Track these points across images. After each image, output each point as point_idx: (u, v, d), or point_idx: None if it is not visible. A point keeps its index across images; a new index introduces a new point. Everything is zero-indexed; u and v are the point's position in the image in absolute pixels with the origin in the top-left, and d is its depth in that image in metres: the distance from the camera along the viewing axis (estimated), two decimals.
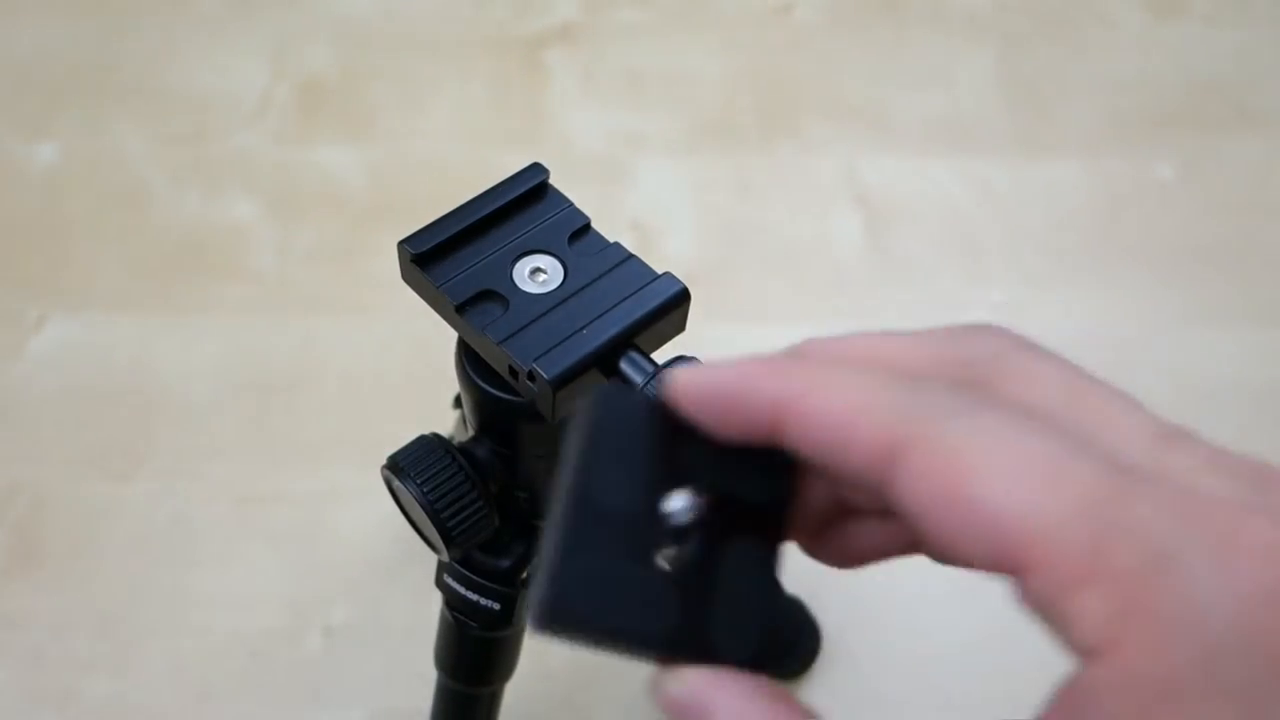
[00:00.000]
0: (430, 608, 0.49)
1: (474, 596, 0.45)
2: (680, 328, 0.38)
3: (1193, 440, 0.24)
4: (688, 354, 0.35)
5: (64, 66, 0.98)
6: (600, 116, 0.95)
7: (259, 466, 0.75)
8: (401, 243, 0.38)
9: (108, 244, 0.86)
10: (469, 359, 0.39)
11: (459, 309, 0.37)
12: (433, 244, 0.38)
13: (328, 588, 0.69)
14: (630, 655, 0.24)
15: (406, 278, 0.39)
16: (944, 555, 0.23)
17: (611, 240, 0.39)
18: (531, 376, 0.35)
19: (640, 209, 0.89)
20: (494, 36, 1.01)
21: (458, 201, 0.39)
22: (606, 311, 0.36)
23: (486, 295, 0.37)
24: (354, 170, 0.91)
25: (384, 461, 0.41)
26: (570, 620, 0.23)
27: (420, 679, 0.54)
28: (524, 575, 0.46)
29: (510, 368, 0.36)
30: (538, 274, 0.38)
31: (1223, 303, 0.83)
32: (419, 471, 0.40)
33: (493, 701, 0.52)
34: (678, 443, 0.25)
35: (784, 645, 0.66)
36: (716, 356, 0.37)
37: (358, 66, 0.98)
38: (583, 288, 0.37)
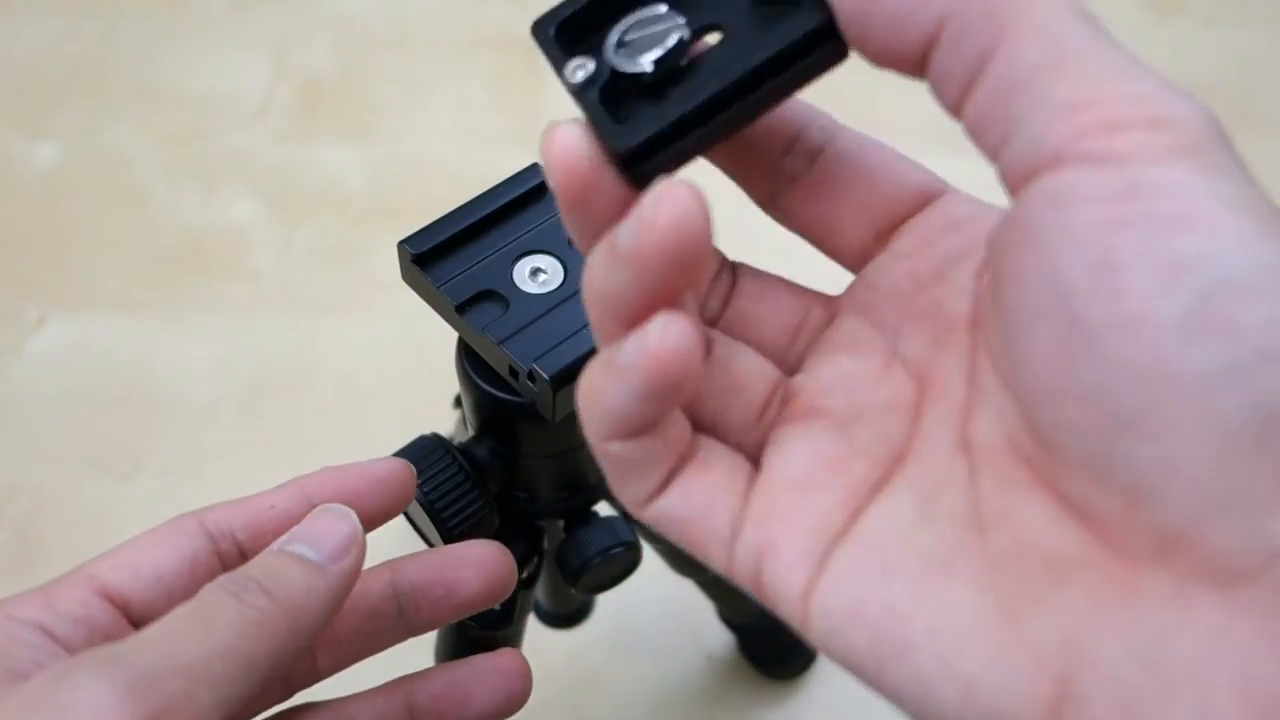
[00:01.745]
0: None
1: None
2: None
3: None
4: None
5: (64, 66, 0.98)
6: None
7: (259, 466, 0.74)
8: (401, 243, 0.38)
9: (108, 244, 0.86)
10: (469, 359, 0.39)
11: (459, 309, 0.37)
12: (433, 244, 0.38)
13: None
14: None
15: (406, 278, 0.39)
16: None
17: None
18: (531, 376, 0.35)
19: None
20: (494, 36, 1.01)
21: (458, 201, 0.39)
22: None
23: (486, 295, 0.37)
24: (354, 170, 0.91)
25: None
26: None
27: None
28: (524, 575, 0.46)
29: (510, 368, 0.36)
30: (538, 274, 0.38)
31: None
32: (419, 471, 0.40)
33: None
34: None
35: (785, 645, 0.66)
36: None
37: (358, 66, 0.98)
38: None
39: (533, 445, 0.41)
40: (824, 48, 0.25)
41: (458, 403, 0.59)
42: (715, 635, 0.67)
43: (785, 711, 0.65)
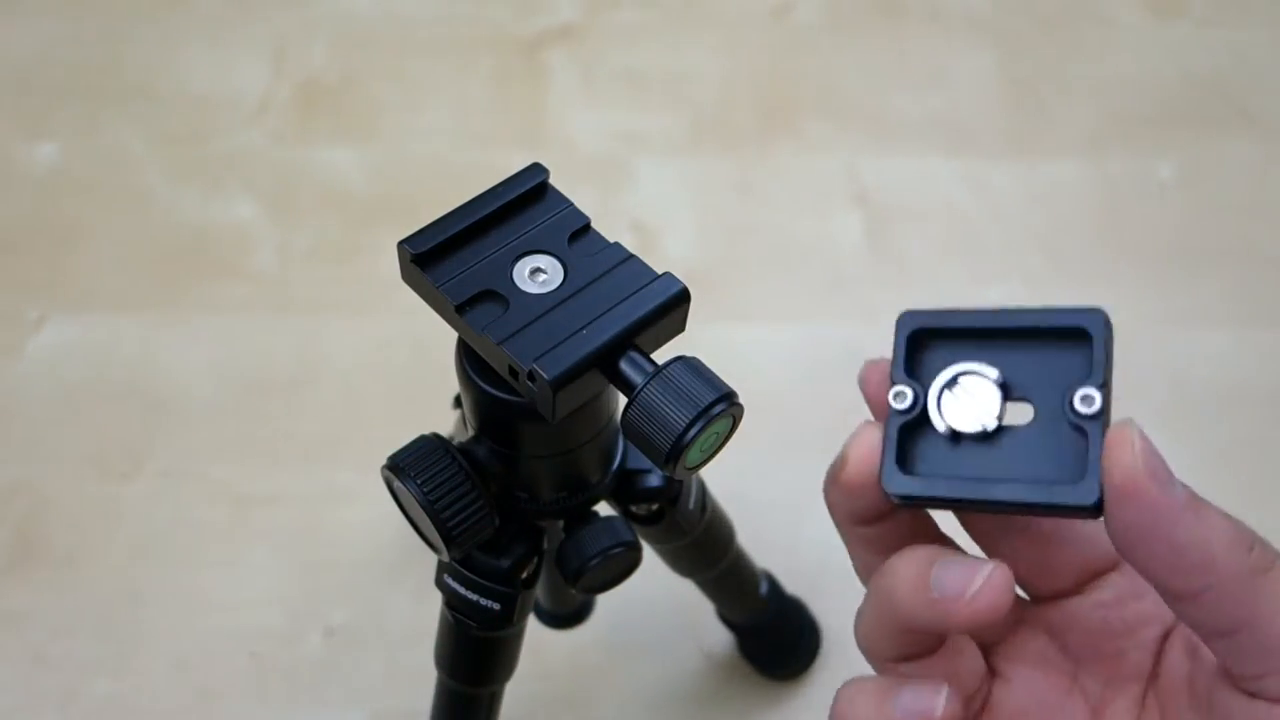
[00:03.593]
0: (430, 608, 0.49)
1: (474, 596, 0.45)
2: (680, 328, 0.38)
3: None
4: (688, 354, 0.35)
5: (64, 66, 0.98)
6: (600, 116, 0.95)
7: (259, 466, 0.75)
8: (401, 243, 0.38)
9: (108, 244, 0.86)
10: (469, 359, 0.39)
11: (459, 309, 0.37)
12: (433, 244, 0.38)
13: (328, 588, 0.69)
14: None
15: (406, 278, 0.39)
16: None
17: (611, 240, 0.39)
18: (532, 377, 0.35)
19: (640, 209, 0.89)
20: (494, 36, 1.01)
21: (458, 201, 0.39)
22: (606, 311, 0.36)
23: (486, 295, 0.37)
24: (354, 170, 0.91)
25: (384, 461, 0.41)
26: None
27: (420, 679, 0.54)
28: (524, 575, 0.46)
29: (510, 368, 0.36)
30: (538, 274, 0.38)
31: (1223, 303, 0.83)
32: (419, 471, 0.40)
33: (493, 701, 0.52)
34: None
35: (784, 645, 0.66)
36: (715, 357, 0.38)
37: (358, 66, 0.98)
38: (583, 288, 0.37)
39: (533, 445, 0.41)
40: (1083, 509, 0.27)
41: (458, 403, 0.59)
42: (715, 635, 0.67)
43: (784, 711, 0.65)
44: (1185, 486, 0.25)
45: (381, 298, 0.82)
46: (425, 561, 0.50)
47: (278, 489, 0.73)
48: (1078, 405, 0.27)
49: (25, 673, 0.66)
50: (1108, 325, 0.29)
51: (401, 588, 0.69)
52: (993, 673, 0.32)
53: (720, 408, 0.34)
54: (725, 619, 0.65)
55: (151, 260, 0.85)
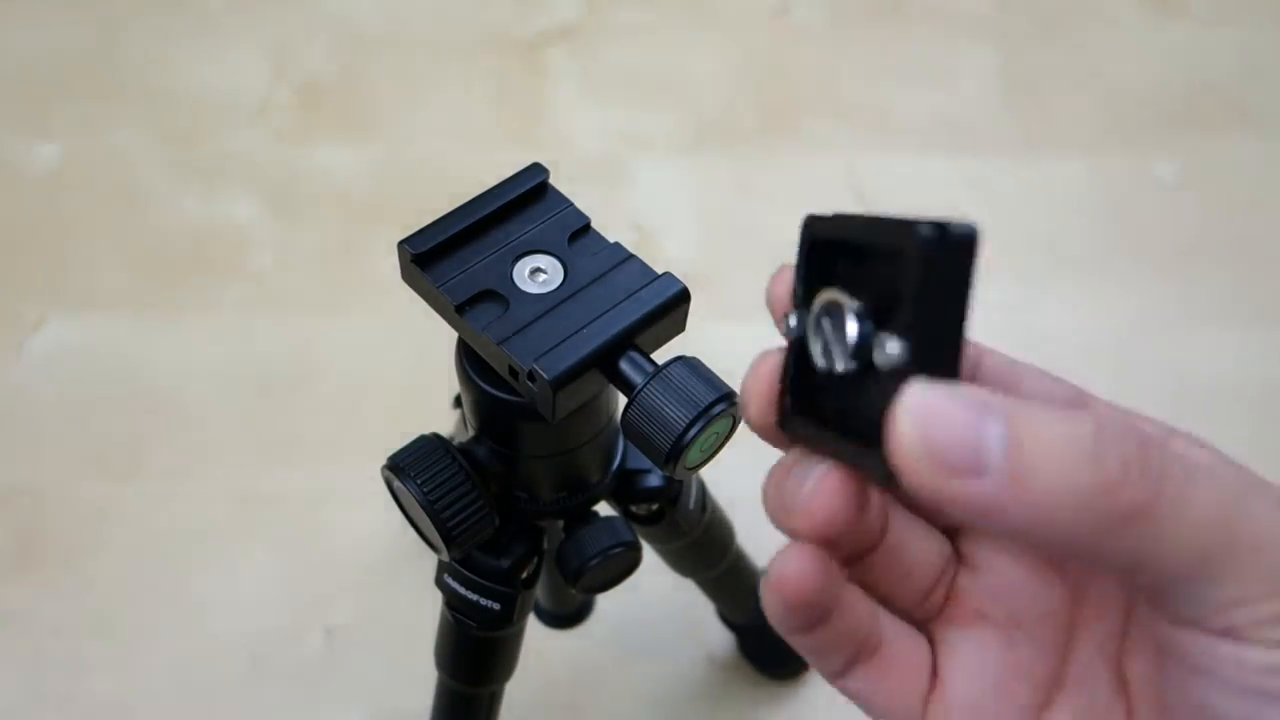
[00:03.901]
0: (430, 608, 0.49)
1: (474, 596, 0.45)
2: (680, 327, 0.38)
3: None
4: (688, 354, 0.35)
5: (64, 66, 0.98)
6: (600, 116, 0.95)
7: (259, 466, 0.75)
8: (401, 243, 0.38)
9: (108, 244, 0.86)
10: (469, 359, 0.39)
11: (459, 309, 0.37)
12: (433, 244, 0.38)
13: (328, 588, 0.69)
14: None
15: (406, 278, 0.39)
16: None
17: (611, 240, 0.39)
18: (532, 377, 0.35)
19: (640, 209, 0.89)
20: (494, 36, 1.01)
21: (458, 201, 0.39)
22: (606, 311, 0.36)
23: (486, 295, 0.37)
24: (354, 170, 0.91)
25: (384, 461, 0.41)
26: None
27: (420, 679, 0.54)
28: (524, 575, 0.46)
29: (510, 368, 0.36)
30: (538, 274, 0.38)
31: (1223, 303, 0.83)
32: (419, 471, 0.40)
33: (493, 701, 0.52)
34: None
35: (785, 645, 0.66)
36: (715, 356, 0.38)
37: (358, 66, 0.98)
38: (583, 288, 0.37)
39: (533, 445, 0.41)
40: (886, 481, 0.22)
41: (458, 403, 0.59)
42: (715, 635, 0.67)
43: (785, 711, 0.65)
44: (1007, 435, 0.20)
45: (381, 298, 0.82)
46: (425, 561, 0.50)
47: (278, 489, 0.73)
48: (874, 353, 0.21)
49: (25, 673, 0.66)
50: (940, 248, 0.20)
51: (401, 588, 0.69)
52: (961, 560, 0.28)
53: (720, 408, 0.34)
54: (726, 619, 0.65)
55: (151, 260, 0.85)
